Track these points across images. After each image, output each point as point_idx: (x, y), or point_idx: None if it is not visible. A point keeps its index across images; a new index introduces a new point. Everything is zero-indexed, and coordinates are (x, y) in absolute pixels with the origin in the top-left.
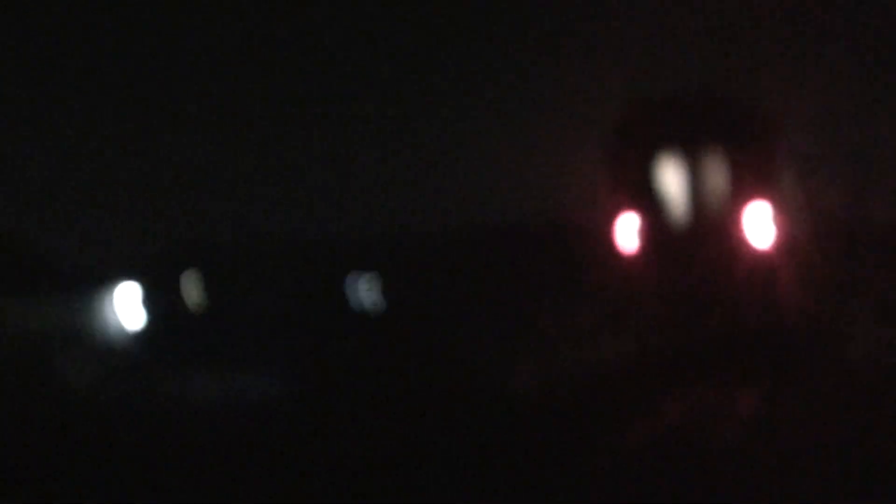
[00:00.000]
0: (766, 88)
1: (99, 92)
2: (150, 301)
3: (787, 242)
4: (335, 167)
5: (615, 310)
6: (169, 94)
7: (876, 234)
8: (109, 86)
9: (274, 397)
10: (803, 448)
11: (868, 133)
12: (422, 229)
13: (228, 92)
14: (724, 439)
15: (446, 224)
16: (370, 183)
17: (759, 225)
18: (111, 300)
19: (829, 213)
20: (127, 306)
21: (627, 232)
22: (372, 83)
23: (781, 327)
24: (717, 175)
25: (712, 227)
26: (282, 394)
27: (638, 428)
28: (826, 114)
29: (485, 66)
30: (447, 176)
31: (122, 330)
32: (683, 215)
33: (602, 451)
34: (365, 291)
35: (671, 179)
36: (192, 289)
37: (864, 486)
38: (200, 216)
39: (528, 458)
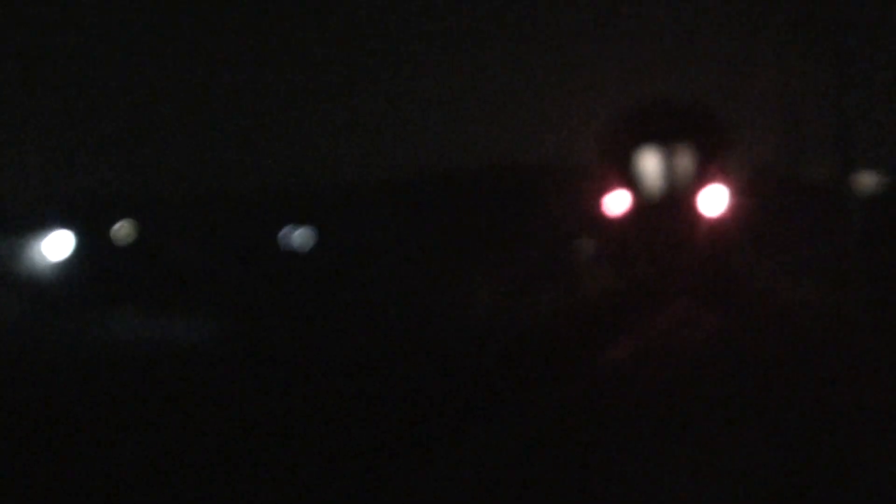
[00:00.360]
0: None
1: (37, 45)
2: (81, 247)
3: (734, 212)
4: (274, 120)
5: (599, 255)
6: (107, 48)
7: (804, 199)
8: (48, 39)
9: (202, 339)
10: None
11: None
12: (357, 181)
13: (164, 46)
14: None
15: (382, 175)
16: (306, 135)
17: (713, 198)
18: (44, 245)
19: (765, 186)
20: (59, 251)
21: (616, 202)
22: (306, 38)
23: (725, 273)
24: (682, 162)
25: (677, 200)
26: (209, 336)
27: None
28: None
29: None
30: (385, 127)
31: (52, 273)
32: (656, 192)
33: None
34: (299, 242)
35: (648, 166)
36: (123, 236)
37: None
38: (136, 167)
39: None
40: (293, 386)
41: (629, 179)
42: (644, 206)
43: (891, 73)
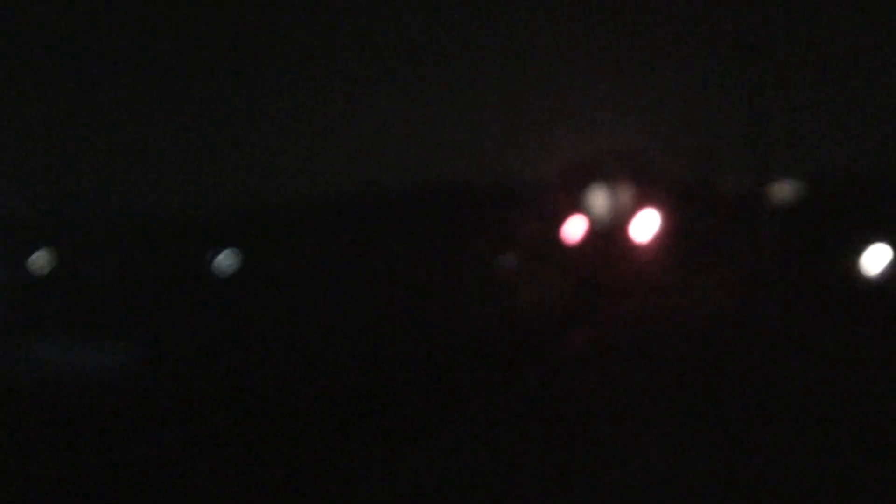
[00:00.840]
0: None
1: None
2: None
3: (660, 237)
4: (198, 140)
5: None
6: (23, 71)
7: (721, 211)
8: None
9: (120, 366)
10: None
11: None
12: (281, 202)
13: (82, 68)
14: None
15: (312, 194)
16: (230, 155)
17: (644, 225)
18: None
19: (690, 206)
20: None
21: (574, 228)
22: (227, 55)
23: (650, 284)
24: (621, 197)
25: (616, 225)
26: (130, 362)
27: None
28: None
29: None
30: (315, 146)
31: None
32: (602, 219)
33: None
34: (225, 265)
35: (596, 199)
36: (42, 260)
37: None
38: (56, 189)
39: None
40: (214, 410)
41: (582, 210)
42: (593, 233)
43: (807, 75)
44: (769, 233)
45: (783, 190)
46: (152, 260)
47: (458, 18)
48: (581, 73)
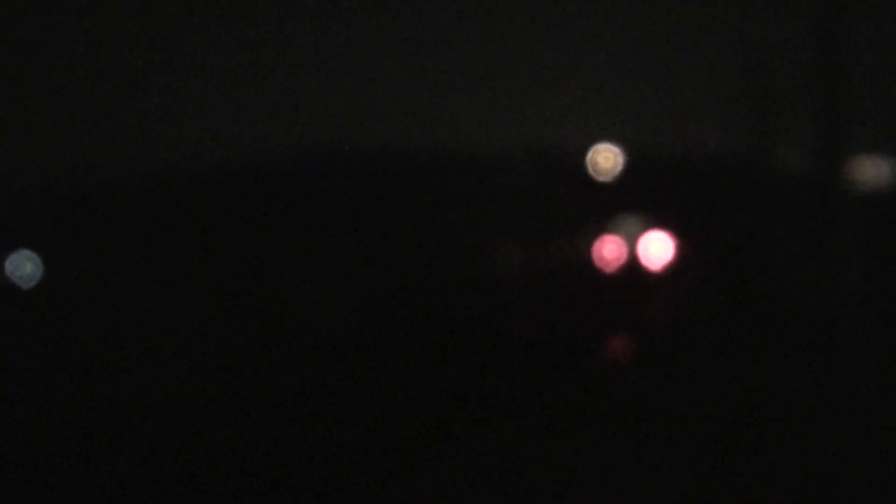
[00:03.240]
0: None
1: None
2: None
3: (665, 260)
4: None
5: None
6: None
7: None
8: None
9: None
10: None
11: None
12: (85, 192)
13: None
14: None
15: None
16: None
17: (652, 247)
18: None
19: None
20: None
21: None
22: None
23: (655, 306)
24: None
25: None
26: None
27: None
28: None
29: None
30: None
31: None
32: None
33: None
34: (18, 272)
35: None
36: None
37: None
38: None
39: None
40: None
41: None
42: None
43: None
44: (845, 221)
45: (864, 170)
46: None
47: None
48: (632, 37)
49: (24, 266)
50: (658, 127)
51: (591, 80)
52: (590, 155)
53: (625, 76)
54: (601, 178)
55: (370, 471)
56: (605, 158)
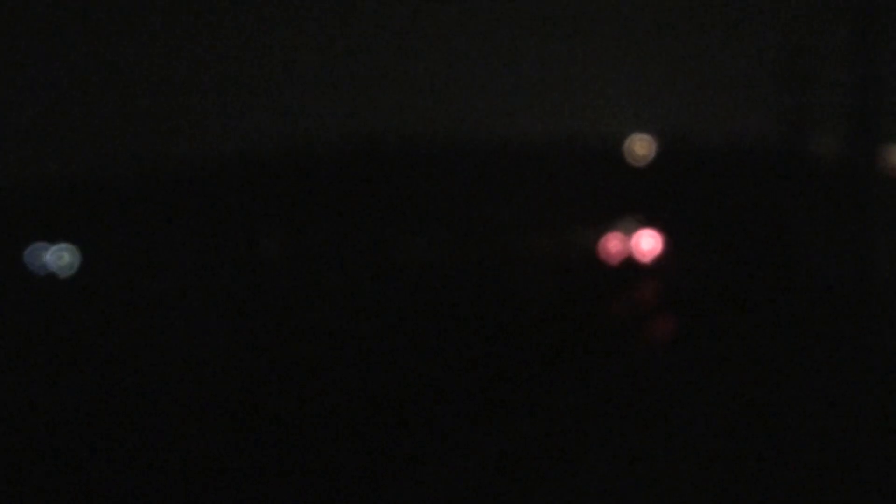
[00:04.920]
0: None
1: None
2: None
3: (656, 253)
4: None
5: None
6: None
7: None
8: None
9: None
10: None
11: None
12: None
13: None
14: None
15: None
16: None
17: (643, 241)
18: None
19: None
20: None
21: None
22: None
23: (647, 294)
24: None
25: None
26: None
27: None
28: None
29: None
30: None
31: None
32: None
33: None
34: (54, 262)
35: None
36: None
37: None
38: None
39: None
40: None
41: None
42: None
43: None
44: (876, 204)
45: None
46: None
47: None
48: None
49: (63, 257)
50: (695, 118)
51: (631, 74)
52: (626, 143)
53: (668, 70)
54: (637, 164)
55: (400, 456)
56: (641, 146)
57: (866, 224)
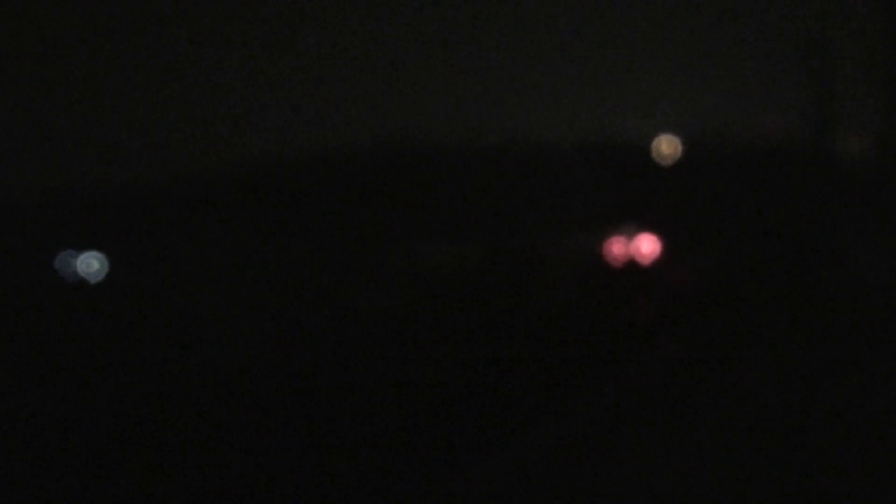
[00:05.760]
0: None
1: None
2: None
3: (653, 255)
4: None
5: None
6: None
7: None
8: None
9: None
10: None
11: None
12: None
13: None
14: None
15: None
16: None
17: (643, 244)
18: None
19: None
20: None
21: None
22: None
23: (647, 293)
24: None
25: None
26: None
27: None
28: None
29: None
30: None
31: None
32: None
33: None
34: (84, 269)
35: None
36: None
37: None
38: None
39: None
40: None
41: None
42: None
43: None
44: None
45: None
46: None
47: None
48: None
49: (92, 264)
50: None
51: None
52: (654, 143)
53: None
54: (664, 163)
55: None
56: (668, 146)
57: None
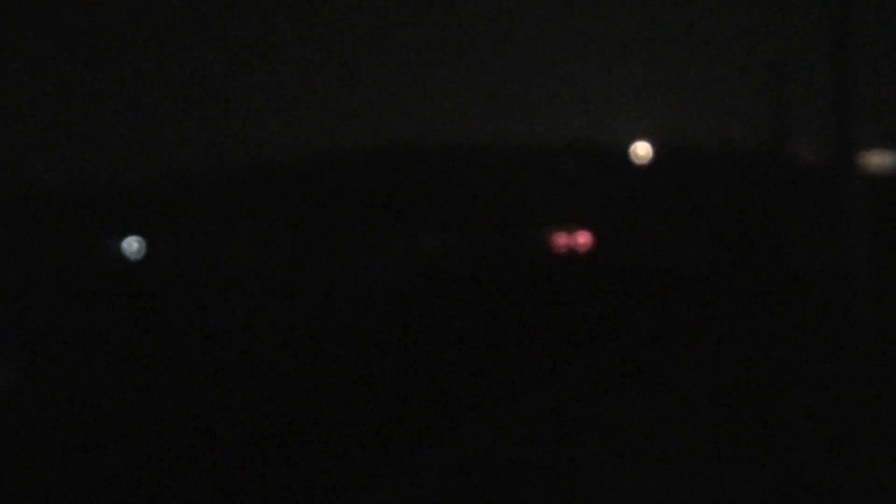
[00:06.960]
0: None
1: None
2: None
3: (588, 246)
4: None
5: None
6: None
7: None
8: None
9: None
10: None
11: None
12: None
13: None
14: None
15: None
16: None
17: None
18: None
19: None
20: None
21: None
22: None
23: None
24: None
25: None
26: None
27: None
28: None
29: None
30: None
31: None
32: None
33: None
34: (133, 255)
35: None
36: None
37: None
38: None
39: None
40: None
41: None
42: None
43: None
44: (854, 210)
45: (875, 161)
46: (47, 244)
47: None
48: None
49: (133, 246)
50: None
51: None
52: (631, 148)
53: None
54: (640, 163)
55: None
56: (643, 150)
57: (843, 224)
